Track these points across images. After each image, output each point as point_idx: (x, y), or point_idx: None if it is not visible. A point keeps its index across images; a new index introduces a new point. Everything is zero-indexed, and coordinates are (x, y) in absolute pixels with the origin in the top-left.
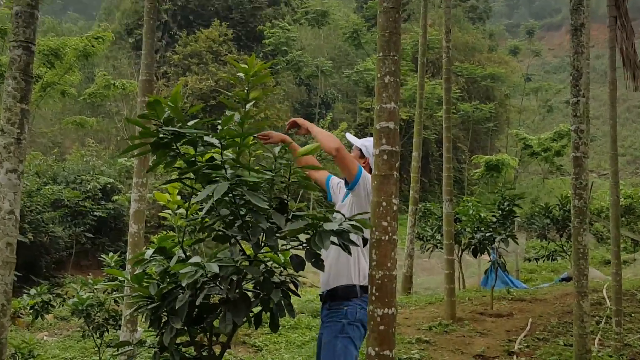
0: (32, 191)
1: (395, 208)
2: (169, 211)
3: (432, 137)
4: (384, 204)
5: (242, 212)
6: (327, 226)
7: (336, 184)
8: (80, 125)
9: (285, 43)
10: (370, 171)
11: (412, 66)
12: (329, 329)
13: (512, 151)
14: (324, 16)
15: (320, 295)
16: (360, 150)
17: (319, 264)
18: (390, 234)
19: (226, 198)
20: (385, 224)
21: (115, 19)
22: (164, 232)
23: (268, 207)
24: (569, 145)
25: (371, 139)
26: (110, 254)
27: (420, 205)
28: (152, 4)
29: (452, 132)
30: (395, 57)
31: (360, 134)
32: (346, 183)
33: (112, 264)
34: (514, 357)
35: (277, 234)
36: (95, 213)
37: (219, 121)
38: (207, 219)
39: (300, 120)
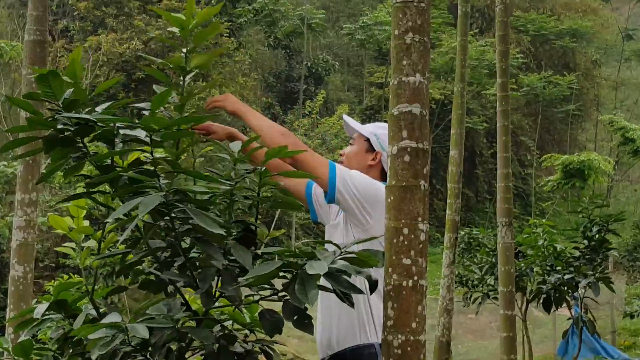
0: None
1: (423, 237)
2: (72, 244)
3: (481, 127)
4: (406, 231)
5: (185, 245)
6: (312, 268)
7: (322, 195)
8: None
9: None
10: (382, 175)
11: (448, 18)
12: None
13: (604, 148)
14: None
15: None
16: (368, 140)
17: (304, 323)
18: (416, 278)
19: (160, 223)
20: (407, 262)
21: None
22: (65, 277)
23: (224, 234)
24: None
25: (386, 125)
26: None
27: (462, 233)
28: None
29: (512, 119)
30: (423, 4)
31: (369, 123)
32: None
33: None
34: None
35: (239, 278)
36: None
37: (149, 104)
38: (130, 256)
39: (229, 102)
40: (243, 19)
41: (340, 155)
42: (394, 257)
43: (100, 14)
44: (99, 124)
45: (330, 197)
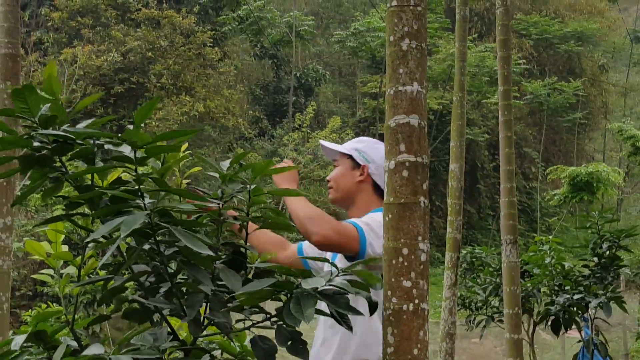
0: None
1: (423, 258)
2: (50, 271)
3: (482, 138)
4: (405, 251)
5: (171, 269)
6: (309, 283)
7: (311, 251)
8: None
9: None
10: (375, 187)
11: (446, 22)
12: None
13: (613, 158)
14: None
15: None
16: (351, 157)
17: (298, 349)
18: (417, 301)
19: (145, 246)
20: (407, 284)
21: None
22: (43, 306)
23: (213, 256)
24: None
25: (366, 139)
26: None
27: (464, 252)
28: None
29: (515, 129)
30: (419, 8)
31: (363, 136)
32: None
33: None
34: None
35: (228, 304)
36: None
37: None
38: (112, 282)
39: (280, 178)
40: (227, 27)
41: (328, 181)
42: (393, 280)
43: (75, 25)
44: (78, 141)
45: (361, 256)
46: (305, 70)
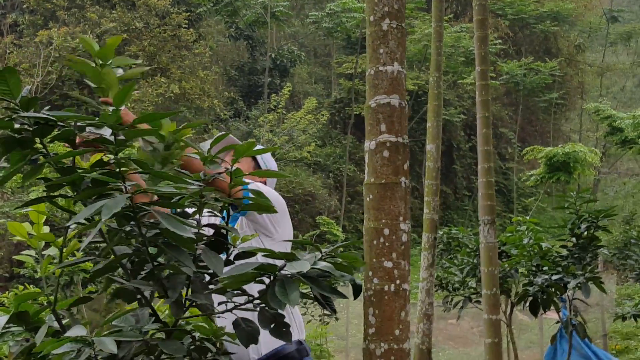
0: None
1: (404, 238)
2: (31, 252)
3: (458, 118)
4: (386, 231)
5: (152, 251)
6: (294, 266)
7: None
8: None
9: None
10: None
11: (421, 3)
12: None
13: (589, 139)
14: None
15: None
16: (255, 159)
17: (281, 332)
18: (398, 282)
19: (126, 227)
20: (389, 265)
21: None
22: (20, 288)
23: (194, 238)
24: None
25: (260, 147)
26: None
27: (441, 233)
28: None
29: (492, 109)
30: None
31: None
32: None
33: None
34: None
35: (211, 286)
36: None
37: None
38: (89, 264)
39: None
40: (202, 9)
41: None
42: (374, 260)
43: (50, 7)
44: (59, 123)
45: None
46: (281, 51)
